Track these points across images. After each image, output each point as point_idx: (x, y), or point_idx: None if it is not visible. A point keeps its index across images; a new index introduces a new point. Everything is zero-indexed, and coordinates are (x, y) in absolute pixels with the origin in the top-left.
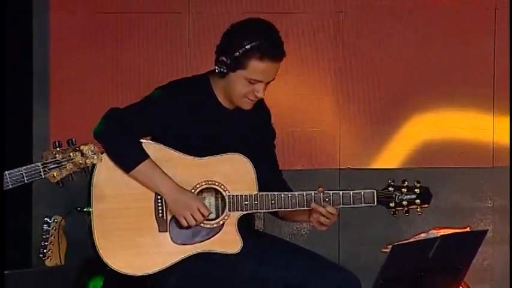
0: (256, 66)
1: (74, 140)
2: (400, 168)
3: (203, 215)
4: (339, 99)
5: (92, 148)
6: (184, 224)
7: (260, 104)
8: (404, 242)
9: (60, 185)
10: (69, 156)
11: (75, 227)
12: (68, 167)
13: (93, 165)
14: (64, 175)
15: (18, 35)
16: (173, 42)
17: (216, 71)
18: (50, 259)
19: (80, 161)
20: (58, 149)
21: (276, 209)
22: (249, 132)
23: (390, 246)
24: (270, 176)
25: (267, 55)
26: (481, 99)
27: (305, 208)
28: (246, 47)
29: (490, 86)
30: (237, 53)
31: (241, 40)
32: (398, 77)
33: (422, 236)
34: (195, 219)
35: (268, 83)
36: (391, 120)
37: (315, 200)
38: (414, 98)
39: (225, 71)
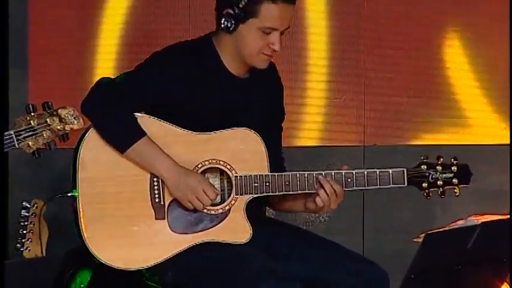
0: (270, 11)
1: (50, 103)
2: (434, 144)
3: (210, 198)
4: (364, 65)
5: (72, 112)
6: (190, 208)
7: (274, 76)
8: (439, 230)
9: (37, 155)
10: (46, 122)
11: (59, 213)
12: (44, 135)
13: (79, 142)
14: (41, 144)
15: None
16: None
17: (222, 26)
18: (29, 250)
19: (59, 128)
20: (32, 114)
21: (290, 192)
22: (260, 105)
23: (423, 235)
24: (273, 161)
25: None
26: None
27: (307, 191)
28: None
29: None
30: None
31: None
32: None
33: (460, 223)
34: (201, 202)
35: (282, 32)
36: (425, 89)
37: (335, 180)
38: None
39: (233, 24)
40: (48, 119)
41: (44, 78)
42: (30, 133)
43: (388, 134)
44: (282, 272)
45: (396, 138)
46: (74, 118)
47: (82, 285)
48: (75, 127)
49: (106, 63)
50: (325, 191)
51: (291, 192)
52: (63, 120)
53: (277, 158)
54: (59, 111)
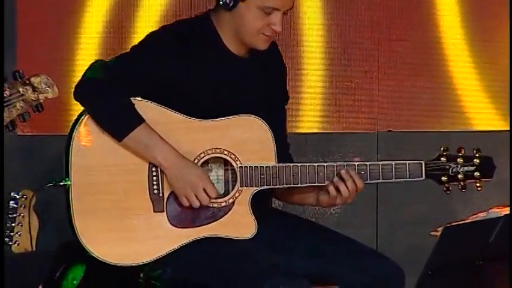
0: None
1: (21, 71)
2: (453, 131)
3: (210, 196)
4: (378, 47)
5: (45, 80)
6: (186, 204)
7: (276, 56)
8: (458, 223)
9: (10, 128)
10: (18, 92)
11: (50, 204)
12: (18, 106)
13: (72, 128)
14: (14, 115)
15: None
16: None
17: (221, 2)
18: (18, 244)
19: (32, 97)
20: (4, 84)
21: (299, 185)
22: (261, 85)
23: (441, 229)
24: (277, 147)
25: None
26: None
27: (317, 184)
28: None
29: None
30: None
31: None
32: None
33: (481, 216)
34: (199, 200)
35: (285, 13)
36: (443, 72)
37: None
38: None
39: (232, 1)
40: (20, 89)
41: (32, 54)
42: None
43: (404, 119)
44: (288, 267)
45: (412, 123)
46: (48, 86)
47: (75, 282)
48: (50, 96)
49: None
50: (347, 186)
51: (299, 185)
52: (36, 89)
53: (282, 144)
54: (32, 79)
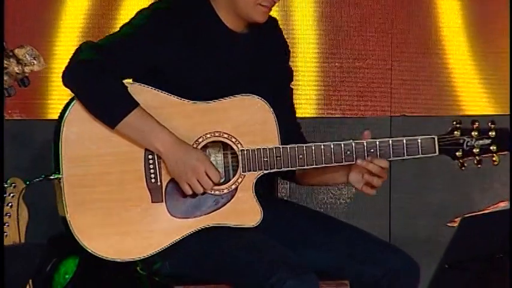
0: None
1: (4, 43)
2: (470, 115)
3: (213, 181)
4: (391, 27)
5: (30, 51)
6: (189, 192)
7: (277, 32)
8: (477, 213)
9: None
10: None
11: (40, 195)
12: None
13: (62, 115)
14: None
15: None
16: None
17: None
18: (7, 235)
19: (17, 70)
20: None
21: (305, 167)
22: (263, 62)
23: (458, 219)
24: (285, 129)
25: None
26: None
27: (342, 164)
28: None
29: None
30: None
31: None
32: None
33: (502, 205)
34: (202, 186)
35: None
36: (462, 52)
37: (356, 152)
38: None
39: None
40: (4, 61)
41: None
42: None
43: (419, 102)
44: (295, 259)
45: (428, 107)
46: (34, 58)
47: (67, 276)
48: (36, 68)
49: None
50: (373, 173)
51: (305, 167)
52: (21, 62)
53: (290, 124)
54: (16, 51)
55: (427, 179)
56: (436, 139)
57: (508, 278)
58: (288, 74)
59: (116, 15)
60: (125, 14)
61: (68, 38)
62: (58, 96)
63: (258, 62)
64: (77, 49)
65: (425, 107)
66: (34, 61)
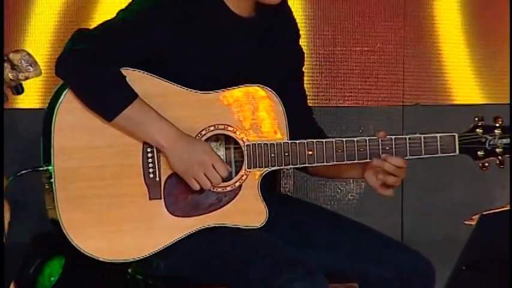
0: None
1: (3, 43)
2: (490, 104)
3: (222, 175)
4: (403, 7)
5: (27, 57)
6: (196, 187)
7: (286, 13)
8: (497, 210)
9: None
10: None
11: (25, 190)
12: None
13: (53, 103)
14: None
15: None
16: None
17: None
18: None
19: (11, 77)
20: None
21: (314, 164)
22: (274, 52)
23: (477, 217)
24: (297, 117)
25: None
26: None
27: (351, 162)
28: None
29: None
30: None
31: None
32: None
33: None
34: (210, 180)
35: None
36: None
37: (370, 150)
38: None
39: None
40: None
41: None
42: None
43: (433, 91)
44: (302, 261)
45: (443, 96)
46: (30, 64)
47: (52, 278)
48: (31, 76)
49: None
50: (390, 172)
51: (314, 164)
52: (15, 67)
53: (303, 114)
54: (10, 55)
55: (442, 173)
56: (456, 137)
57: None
58: (298, 58)
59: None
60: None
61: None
62: (34, 86)
63: (266, 49)
64: (70, 38)
65: (442, 95)
66: (30, 68)
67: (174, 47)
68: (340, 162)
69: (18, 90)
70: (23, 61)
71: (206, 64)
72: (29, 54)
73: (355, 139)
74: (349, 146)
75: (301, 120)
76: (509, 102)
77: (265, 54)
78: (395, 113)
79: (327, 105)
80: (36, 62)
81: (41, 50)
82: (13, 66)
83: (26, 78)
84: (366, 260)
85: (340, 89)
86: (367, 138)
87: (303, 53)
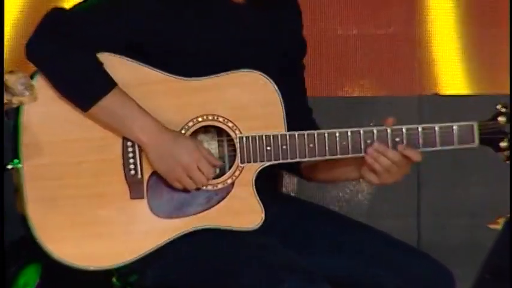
0: None
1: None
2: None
3: (207, 175)
4: None
5: (23, 80)
6: (179, 187)
7: (292, 2)
8: None
9: None
10: None
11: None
12: None
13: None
14: None
15: None
16: None
17: None
18: None
19: (5, 100)
20: None
21: (315, 158)
22: (272, 39)
23: (502, 220)
24: (294, 112)
25: None
26: None
27: (357, 155)
28: None
29: None
30: None
31: None
32: None
33: None
34: (195, 183)
35: None
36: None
37: (378, 139)
38: None
39: None
40: None
41: None
42: None
43: (453, 80)
44: (305, 267)
45: (465, 85)
46: (25, 88)
47: None
48: (26, 101)
49: None
50: (381, 165)
51: (316, 158)
52: (10, 90)
53: (301, 107)
54: (5, 77)
55: (462, 172)
56: (475, 126)
57: None
58: (300, 48)
59: None
60: None
61: None
62: None
63: (265, 36)
64: (44, 17)
65: (463, 84)
66: (26, 92)
67: (159, 32)
68: (344, 156)
69: (8, 115)
70: (18, 84)
71: (195, 45)
72: (26, 76)
73: (361, 129)
74: (355, 137)
75: (296, 119)
76: None
77: (265, 41)
78: (411, 104)
79: (332, 95)
80: (33, 85)
81: (8, 31)
82: (7, 89)
83: (21, 103)
84: (375, 267)
85: (347, 76)
86: (375, 128)
87: (305, 43)
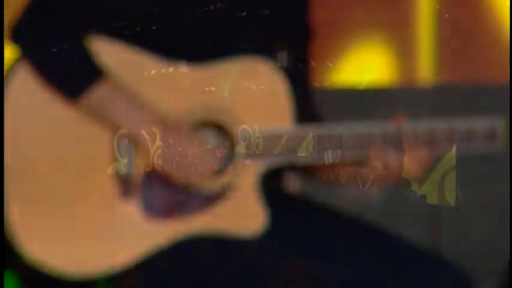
0: None
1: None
2: None
3: (205, 175)
4: None
5: None
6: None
7: None
8: None
9: None
10: None
11: None
12: None
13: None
14: None
15: None
16: None
17: None
18: None
19: None
20: None
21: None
22: (275, 19)
23: None
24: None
25: None
26: None
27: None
28: None
29: None
30: None
31: None
32: None
33: None
34: (191, 181)
35: None
36: None
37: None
38: None
39: None
40: None
41: None
42: None
43: (470, 68)
44: (317, 275)
45: (481, 74)
46: None
47: None
48: None
49: None
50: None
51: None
52: None
53: (306, 99)
54: None
55: (487, 167)
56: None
57: None
58: (307, 30)
59: None
60: None
61: None
62: None
63: (266, 16)
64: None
65: (481, 72)
66: None
67: (155, 13)
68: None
69: None
70: None
71: (193, 34)
72: None
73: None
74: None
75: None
76: None
77: (267, 22)
78: (419, 95)
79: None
80: None
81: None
82: None
83: None
84: (391, 273)
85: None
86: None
87: (313, 27)
